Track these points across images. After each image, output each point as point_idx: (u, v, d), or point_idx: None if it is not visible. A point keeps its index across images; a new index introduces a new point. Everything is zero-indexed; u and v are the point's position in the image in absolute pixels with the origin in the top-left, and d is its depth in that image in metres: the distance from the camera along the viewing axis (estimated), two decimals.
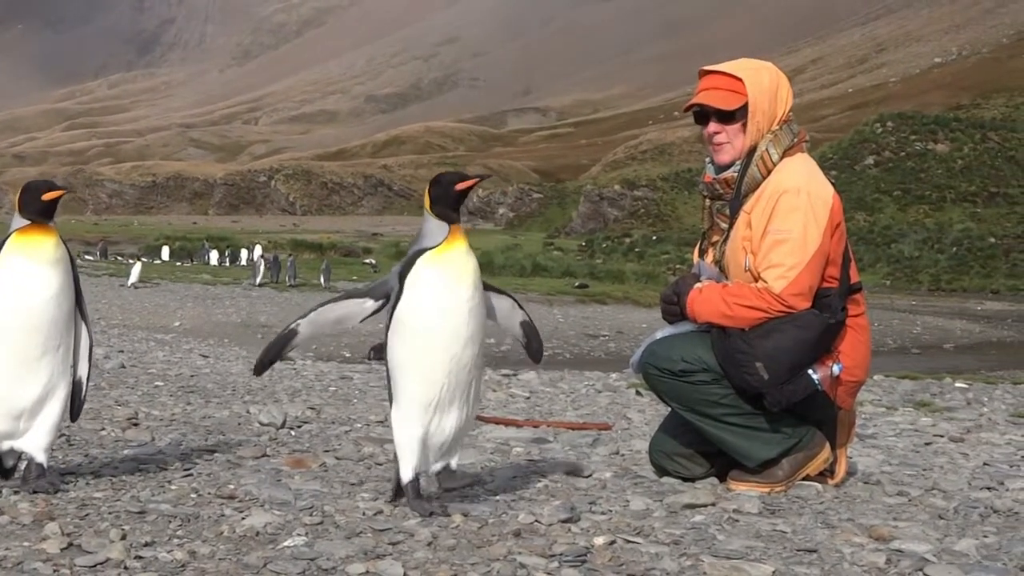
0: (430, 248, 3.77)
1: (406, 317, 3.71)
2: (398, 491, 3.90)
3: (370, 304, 3.83)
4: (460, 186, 3.94)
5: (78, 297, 3.94)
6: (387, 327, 3.79)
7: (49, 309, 3.82)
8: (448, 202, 3.86)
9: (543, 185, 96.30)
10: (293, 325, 3.92)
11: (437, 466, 3.85)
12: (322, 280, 42.57)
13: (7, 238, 3.86)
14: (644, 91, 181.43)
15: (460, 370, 3.71)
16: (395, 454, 3.82)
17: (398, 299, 3.73)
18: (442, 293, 3.67)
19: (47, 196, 3.91)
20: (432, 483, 3.97)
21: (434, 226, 3.84)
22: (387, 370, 3.82)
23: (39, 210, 3.90)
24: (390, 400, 3.82)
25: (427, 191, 3.93)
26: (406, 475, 3.76)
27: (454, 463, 3.91)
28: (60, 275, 3.84)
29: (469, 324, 3.71)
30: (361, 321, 3.93)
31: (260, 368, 4.09)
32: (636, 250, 68.98)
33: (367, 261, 58.24)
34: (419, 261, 3.74)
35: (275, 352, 3.99)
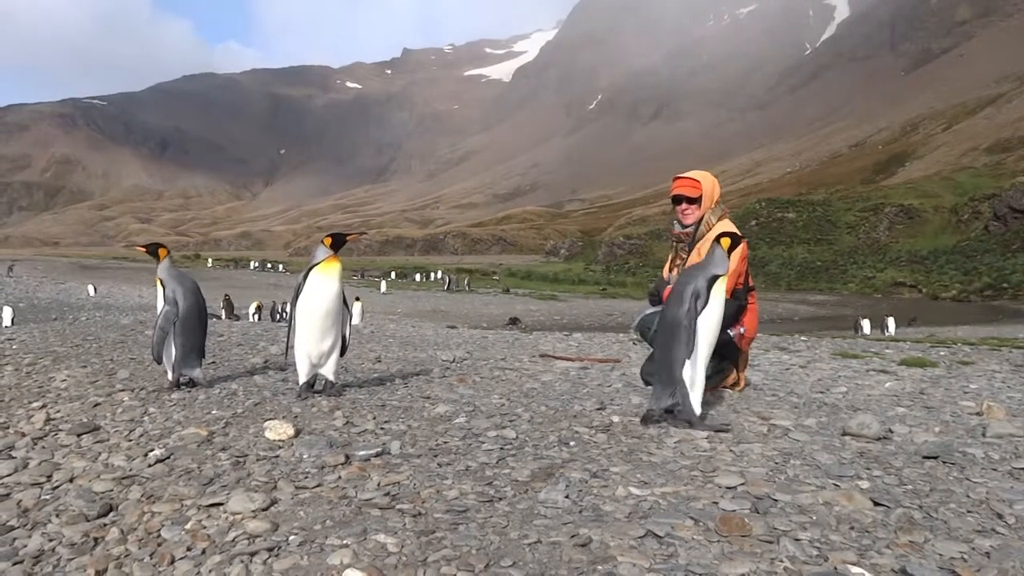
0: (720, 275, 3.31)
1: (712, 313, 3.23)
2: (652, 415, 3.32)
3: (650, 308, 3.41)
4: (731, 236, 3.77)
5: (344, 297, 3.97)
6: (696, 315, 3.21)
7: (334, 302, 3.84)
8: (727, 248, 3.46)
9: (583, 239, 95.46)
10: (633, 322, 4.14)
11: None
12: (451, 286, 42.85)
13: (316, 264, 3.83)
14: (635, 187, 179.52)
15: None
16: (685, 393, 3.23)
17: (706, 303, 3.23)
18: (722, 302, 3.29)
19: (350, 238, 3.90)
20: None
21: (722, 256, 3.39)
22: (688, 340, 3.20)
23: (338, 246, 3.87)
24: (683, 356, 3.20)
25: (728, 237, 3.47)
26: (698, 407, 3.23)
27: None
28: (338, 285, 3.86)
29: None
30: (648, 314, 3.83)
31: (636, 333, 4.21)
32: (631, 271, 68.14)
33: (495, 277, 58.54)
34: (718, 282, 3.29)
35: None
